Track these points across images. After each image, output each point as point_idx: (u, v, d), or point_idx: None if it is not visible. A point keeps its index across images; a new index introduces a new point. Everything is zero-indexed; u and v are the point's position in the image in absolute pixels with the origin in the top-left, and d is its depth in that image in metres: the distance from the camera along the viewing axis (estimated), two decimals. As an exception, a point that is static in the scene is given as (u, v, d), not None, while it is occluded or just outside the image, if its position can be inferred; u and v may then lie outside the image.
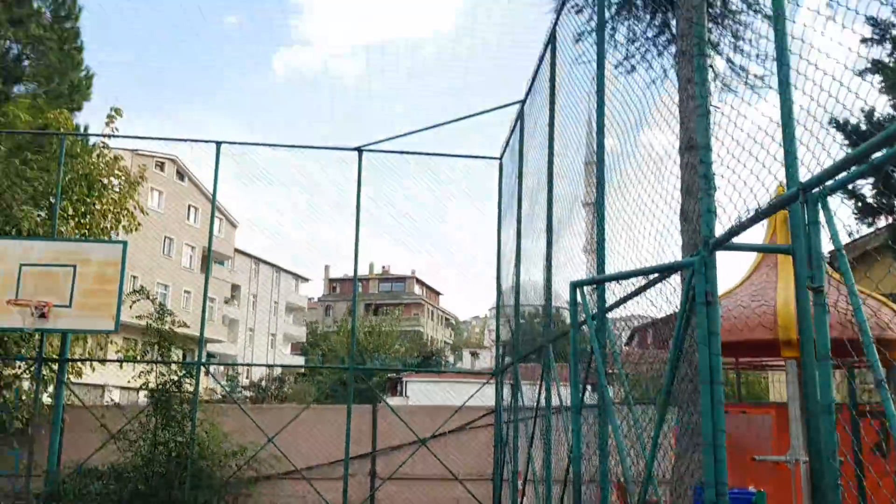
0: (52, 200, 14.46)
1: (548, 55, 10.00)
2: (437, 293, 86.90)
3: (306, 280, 71.86)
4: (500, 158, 14.64)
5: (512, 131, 13.24)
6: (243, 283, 59.17)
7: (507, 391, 13.64)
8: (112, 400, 13.88)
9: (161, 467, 13.09)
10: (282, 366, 44.84)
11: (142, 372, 13.82)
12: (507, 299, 13.98)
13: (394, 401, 30.34)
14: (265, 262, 61.70)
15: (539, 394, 9.59)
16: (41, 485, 13.06)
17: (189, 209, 53.08)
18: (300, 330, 67.94)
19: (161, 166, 49.36)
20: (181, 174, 51.66)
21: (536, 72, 11.08)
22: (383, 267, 79.78)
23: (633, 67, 9.84)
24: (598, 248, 7.30)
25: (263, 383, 36.95)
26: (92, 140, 15.92)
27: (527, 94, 12.13)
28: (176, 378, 13.63)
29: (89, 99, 19.34)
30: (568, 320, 8.20)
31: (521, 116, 12.45)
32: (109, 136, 15.48)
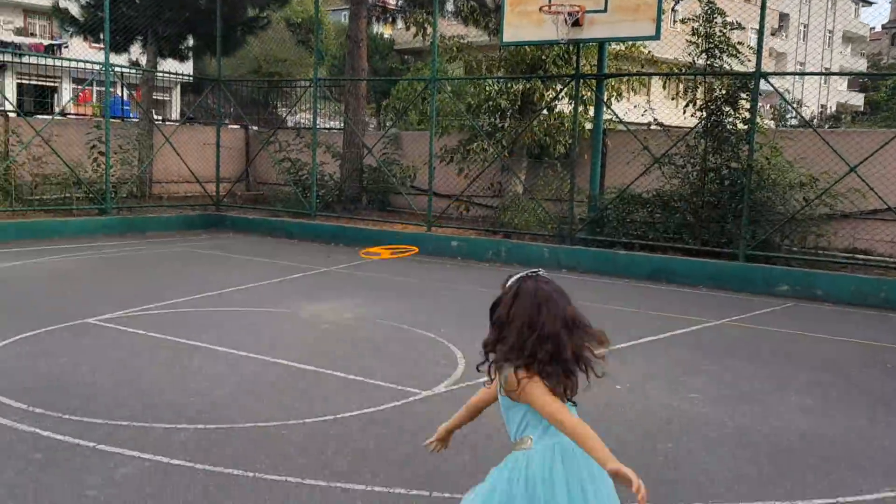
0: None
1: None
2: None
3: (869, 4, 60.53)
4: None
5: None
6: (793, 11, 52.10)
7: None
8: (657, 121, 12.15)
9: (712, 197, 11.20)
10: (848, 74, 38.47)
11: (687, 87, 11.74)
12: None
13: None
14: (819, -15, 53.01)
15: None
16: (584, 210, 12.37)
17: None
18: (859, 63, 58.42)
19: None
20: None
21: None
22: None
23: None
24: None
25: (815, 122, 32.21)
26: None
27: None
28: (728, 93, 11.20)
29: None
30: None
31: None
32: None
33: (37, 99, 29.61)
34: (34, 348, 6.11)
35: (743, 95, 11.08)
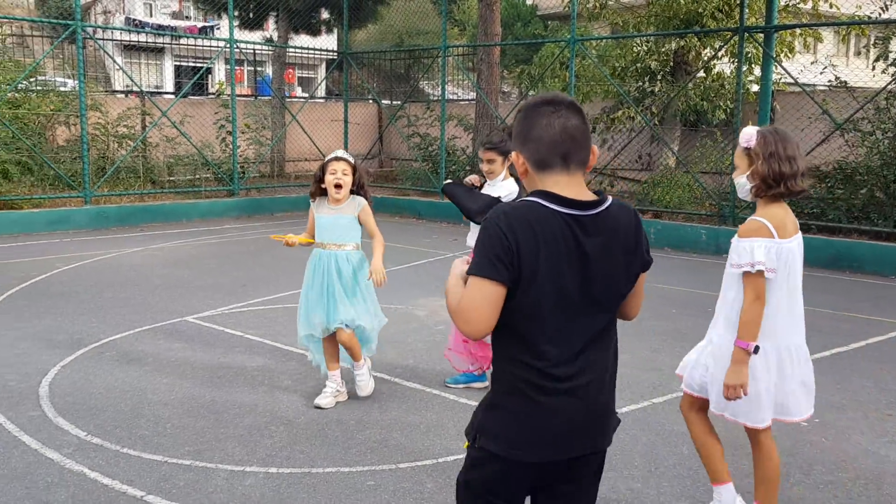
0: None
1: None
2: None
3: None
4: None
5: None
6: None
7: None
8: (840, 80, 10.28)
9: (909, 169, 9.32)
10: None
11: (877, 40, 9.83)
12: None
13: None
14: None
15: None
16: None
17: None
18: None
19: None
20: None
21: None
22: None
23: None
24: None
25: None
26: None
27: None
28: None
29: None
30: None
31: None
32: None
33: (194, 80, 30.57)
34: (120, 353, 5.56)
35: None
